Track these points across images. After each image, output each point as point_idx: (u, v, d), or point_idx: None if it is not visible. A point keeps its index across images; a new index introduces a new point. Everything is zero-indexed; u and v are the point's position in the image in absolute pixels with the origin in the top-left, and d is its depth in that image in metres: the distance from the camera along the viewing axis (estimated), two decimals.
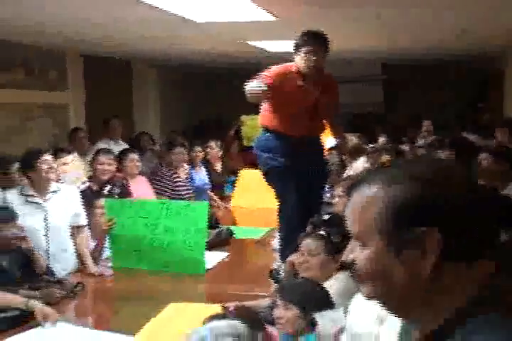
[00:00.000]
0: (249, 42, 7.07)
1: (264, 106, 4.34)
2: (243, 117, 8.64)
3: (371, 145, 6.78)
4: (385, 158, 5.58)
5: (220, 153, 7.41)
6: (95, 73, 8.13)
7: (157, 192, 5.99)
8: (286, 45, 7.38)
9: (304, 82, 4.20)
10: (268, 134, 4.37)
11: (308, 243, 3.05)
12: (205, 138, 8.06)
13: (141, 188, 5.73)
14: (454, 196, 1.03)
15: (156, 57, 8.71)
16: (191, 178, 6.62)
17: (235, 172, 7.48)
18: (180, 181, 6.32)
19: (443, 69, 10.84)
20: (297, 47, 4.17)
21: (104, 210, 4.39)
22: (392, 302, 1.09)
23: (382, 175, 1.09)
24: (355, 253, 1.10)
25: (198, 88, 11.76)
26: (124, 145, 7.19)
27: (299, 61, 4.16)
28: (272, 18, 5.12)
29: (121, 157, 5.70)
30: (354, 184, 1.13)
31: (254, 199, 6.63)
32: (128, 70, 9.46)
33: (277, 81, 4.11)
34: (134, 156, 5.83)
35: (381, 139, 7.28)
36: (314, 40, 4.11)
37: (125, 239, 4.34)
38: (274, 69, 4.21)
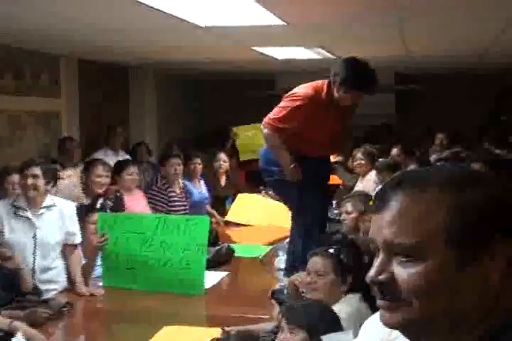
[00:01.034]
0: (255, 48, 7.06)
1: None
2: (235, 129, 8.66)
3: (381, 160, 6.74)
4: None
5: (227, 167, 7.38)
6: (90, 79, 8.13)
7: (152, 208, 5.96)
8: (295, 52, 7.42)
9: (335, 111, 4.18)
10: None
11: (316, 262, 3.02)
12: (206, 150, 8.05)
13: (137, 203, 5.71)
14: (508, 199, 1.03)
15: (155, 62, 8.71)
16: (190, 192, 6.60)
17: (234, 188, 7.48)
18: (175, 196, 6.27)
19: (460, 79, 10.84)
20: (344, 83, 4.07)
21: (97, 225, 4.36)
22: (437, 325, 1.01)
23: (432, 179, 1.04)
24: (396, 268, 1.02)
25: (200, 96, 11.76)
26: (124, 157, 7.18)
27: (341, 95, 4.11)
28: (281, 23, 5.11)
29: (117, 169, 5.68)
30: (385, 191, 1.07)
31: (252, 216, 6.73)
32: (124, 76, 9.47)
33: (307, 112, 4.10)
34: (134, 169, 5.82)
35: (394, 151, 7.25)
36: (369, 89, 4.12)
37: (118, 256, 4.31)
38: (306, 92, 4.15)
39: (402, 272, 1.01)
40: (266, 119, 4.22)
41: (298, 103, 4.13)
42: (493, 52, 7.33)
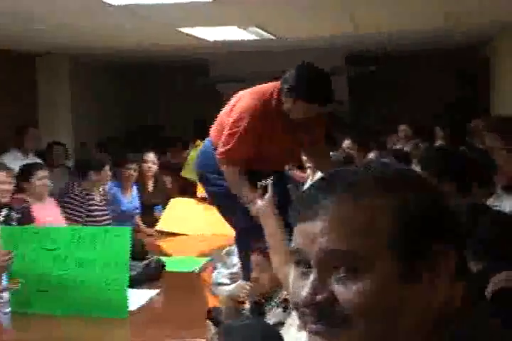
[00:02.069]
0: (181, 30, 7.03)
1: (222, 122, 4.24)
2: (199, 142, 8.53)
3: (332, 153, 6.79)
4: None
5: (156, 170, 7.32)
6: None
7: (68, 218, 5.85)
8: (228, 33, 7.40)
9: (283, 122, 4.09)
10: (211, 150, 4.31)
11: (257, 258, 3.31)
12: (134, 150, 7.98)
13: (49, 213, 5.60)
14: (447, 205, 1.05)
15: (68, 48, 8.60)
16: (117, 201, 6.54)
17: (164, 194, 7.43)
18: (95, 204, 6.18)
19: (419, 61, 11.00)
20: (294, 93, 3.96)
21: (0, 241, 4.27)
22: None
23: (368, 182, 1.03)
24: (336, 286, 0.99)
25: (124, 88, 11.66)
26: (34, 160, 7.05)
27: (292, 108, 4.01)
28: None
29: (24, 174, 5.57)
30: (314, 196, 1.05)
31: (185, 224, 6.74)
32: (31, 64, 9.32)
33: (257, 129, 4.03)
34: (44, 173, 5.70)
35: (345, 143, 7.31)
36: (321, 100, 3.97)
37: (27, 277, 4.21)
38: (248, 108, 4.05)
39: (344, 289, 0.99)
40: (219, 154, 4.14)
41: (244, 123, 4.03)
42: (451, 26, 7.44)
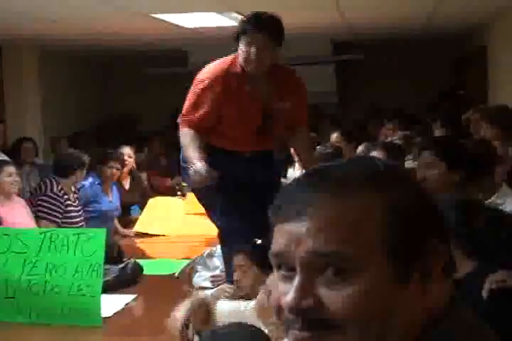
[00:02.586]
0: (156, 16, 7.01)
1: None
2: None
3: (319, 147, 6.80)
4: None
5: (132, 165, 7.30)
6: None
7: (43, 218, 5.88)
8: (206, 19, 7.39)
9: (248, 86, 4.16)
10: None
11: (239, 259, 3.53)
12: (107, 144, 7.95)
13: (17, 214, 5.58)
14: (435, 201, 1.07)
15: (33, 38, 8.56)
16: (99, 200, 6.54)
17: (141, 193, 7.40)
18: (70, 205, 6.17)
19: (411, 48, 11.03)
20: (237, 36, 4.09)
21: None
22: None
23: (356, 178, 1.03)
24: (323, 290, 0.99)
25: (96, 78, 11.62)
26: (1, 157, 7.02)
27: (240, 56, 4.10)
28: None
29: None
30: (298, 193, 1.04)
31: (165, 225, 6.69)
32: None
33: (214, 86, 4.11)
34: (11, 170, 5.68)
35: (333, 137, 7.32)
36: (256, 26, 4.02)
37: None
38: (208, 71, 4.19)
39: (332, 293, 0.98)
40: (179, 119, 4.29)
41: (204, 84, 4.16)
42: (443, 11, 7.45)
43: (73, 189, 6.32)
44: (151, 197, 7.30)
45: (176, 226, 6.67)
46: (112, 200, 6.78)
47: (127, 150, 7.27)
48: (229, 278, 4.17)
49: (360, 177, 1.03)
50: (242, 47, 4.06)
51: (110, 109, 11.93)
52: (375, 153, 5.37)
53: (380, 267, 0.98)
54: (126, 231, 6.78)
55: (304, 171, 4.50)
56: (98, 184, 6.67)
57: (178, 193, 7.36)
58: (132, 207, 7.27)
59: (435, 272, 1.02)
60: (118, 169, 6.82)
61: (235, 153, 4.36)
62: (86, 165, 6.29)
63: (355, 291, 0.97)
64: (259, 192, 4.25)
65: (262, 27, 4.03)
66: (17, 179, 5.71)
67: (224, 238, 4.43)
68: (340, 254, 0.98)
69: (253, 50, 4.02)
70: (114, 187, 6.91)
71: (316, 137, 7.68)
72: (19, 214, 5.59)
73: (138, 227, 6.76)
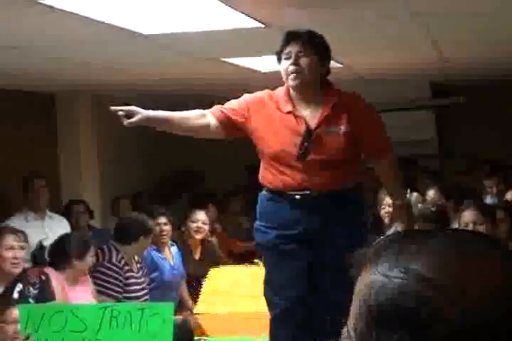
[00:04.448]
0: (227, 60, 7.18)
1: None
2: None
3: (421, 206, 6.83)
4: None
5: (207, 229, 7.31)
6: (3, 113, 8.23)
7: (101, 293, 5.88)
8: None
9: (292, 107, 4.26)
10: (263, 192, 4.45)
11: None
12: (170, 205, 8.01)
13: (83, 296, 5.59)
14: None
15: (93, 86, 8.80)
16: (157, 269, 6.51)
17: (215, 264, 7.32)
18: (132, 277, 6.15)
19: None
20: (278, 58, 4.27)
21: (18, 324, 4.34)
22: None
23: (388, 256, 1.12)
24: None
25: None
26: (55, 221, 7.15)
27: (282, 75, 4.25)
28: (257, 25, 5.24)
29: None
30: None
31: (231, 302, 6.44)
32: (50, 105, 9.51)
33: (247, 108, 4.28)
34: (92, 254, 5.75)
35: (430, 193, 7.32)
36: (290, 37, 4.22)
37: None
38: (249, 95, 4.38)
39: None
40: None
41: (248, 96, 4.37)
42: None
43: (136, 258, 6.31)
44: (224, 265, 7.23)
45: (244, 302, 6.38)
46: (174, 265, 6.73)
47: (201, 216, 7.22)
48: None
49: (379, 256, 1.14)
50: (282, 64, 4.22)
51: (172, 164, 12.05)
52: (467, 214, 5.41)
53: None
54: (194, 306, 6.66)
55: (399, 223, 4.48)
56: (154, 249, 6.68)
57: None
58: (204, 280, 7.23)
59: None
60: (167, 224, 6.76)
61: (281, 193, 4.33)
62: (152, 231, 6.33)
63: None
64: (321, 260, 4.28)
65: (297, 36, 4.21)
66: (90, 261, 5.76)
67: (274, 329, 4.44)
68: None
69: (291, 60, 4.16)
70: (175, 249, 6.88)
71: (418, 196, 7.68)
72: (85, 296, 5.61)
73: (199, 308, 6.50)
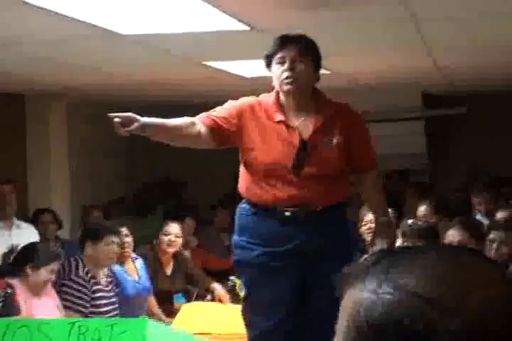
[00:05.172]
0: (208, 64, 7.18)
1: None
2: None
3: (410, 222, 6.83)
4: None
5: (180, 243, 7.27)
6: None
7: (67, 308, 5.86)
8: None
9: (284, 116, 4.25)
10: (245, 205, 4.44)
11: None
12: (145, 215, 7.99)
13: (47, 309, 5.58)
14: None
15: (68, 88, 8.79)
16: (119, 283, 6.45)
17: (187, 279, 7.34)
18: (100, 290, 6.13)
19: None
20: (268, 63, 4.28)
21: None
22: None
23: (376, 272, 1.15)
24: None
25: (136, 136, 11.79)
26: (23, 230, 7.12)
27: (274, 81, 4.26)
28: (243, 28, 5.25)
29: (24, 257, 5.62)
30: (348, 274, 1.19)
31: (209, 323, 6.49)
32: (19, 107, 9.48)
33: (238, 117, 4.25)
34: (54, 266, 5.70)
35: (421, 210, 7.32)
36: (284, 41, 4.22)
37: None
38: (237, 101, 4.36)
39: None
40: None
41: (236, 103, 4.35)
42: None
43: (106, 271, 6.31)
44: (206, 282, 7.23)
45: (224, 323, 6.43)
46: (139, 280, 6.72)
47: (175, 229, 7.22)
48: None
49: (370, 273, 1.16)
50: (273, 70, 4.22)
51: (152, 173, 12.05)
52: (452, 233, 5.42)
53: None
54: (166, 319, 6.70)
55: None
56: (117, 263, 6.63)
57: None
58: (176, 295, 7.22)
59: None
60: (127, 236, 6.72)
61: (269, 208, 4.32)
62: (120, 232, 6.38)
63: None
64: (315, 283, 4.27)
65: (294, 40, 4.22)
66: (53, 278, 5.72)
67: None
68: None
69: (286, 65, 4.15)
70: (139, 263, 6.85)
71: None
72: (49, 310, 5.61)
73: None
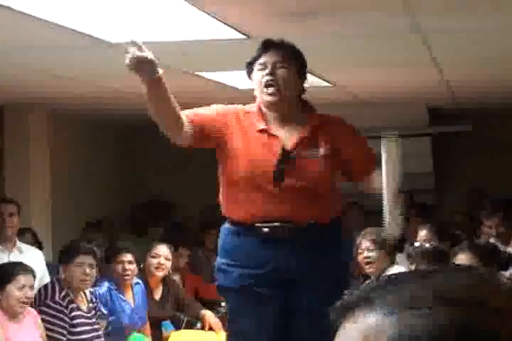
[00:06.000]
0: (202, 74, 7.20)
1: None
2: None
3: (416, 245, 6.88)
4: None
5: (169, 266, 7.17)
6: None
7: (49, 332, 5.81)
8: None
9: (266, 125, 4.25)
10: (226, 224, 4.41)
11: None
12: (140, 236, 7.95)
13: (25, 335, 5.59)
14: None
15: (50, 99, 8.78)
16: (115, 312, 6.41)
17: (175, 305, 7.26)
18: (80, 316, 6.00)
19: None
20: (250, 71, 4.27)
21: None
22: None
23: (392, 296, 1.13)
24: None
25: (122, 152, 11.77)
26: (26, 254, 7.04)
27: (256, 89, 4.25)
28: (239, 36, 5.26)
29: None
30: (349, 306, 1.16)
31: None
32: None
33: (225, 122, 4.24)
34: (26, 280, 5.63)
35: (422, 234, 7.34)
36: (267, 46, 4.22)
37: None
38: (224, 106, 4.36)
39: None
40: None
41: (224, 108, 4.36)
42: None
43: (88, 295, 6.22)
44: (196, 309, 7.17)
45: None
46: (136, 308, 6.62)
47: (164, 251, 7.07)
48: None
49: (383, 298, 1.14)
50: (255, 76, 4.22)
51: (137, 192, 12.06)
52: (461, 258, 5.42)
53: None
54: None
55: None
56: (116, 289, 6.56)
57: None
58: (164, 323, 7.16)
59: None
60: (130, 263, 6.60)
61: (247, 226, 4.27)
62: (93, 251, 6.27)
63: None
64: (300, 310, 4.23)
65: (277, 45, 4.22)
66: (29, 294, 5.63)
67: None
68: None
69: (267, 70, 4.15)
70: (138, 288, 6.75)
71: None
72: (25, 328, 5.59)
73: None
